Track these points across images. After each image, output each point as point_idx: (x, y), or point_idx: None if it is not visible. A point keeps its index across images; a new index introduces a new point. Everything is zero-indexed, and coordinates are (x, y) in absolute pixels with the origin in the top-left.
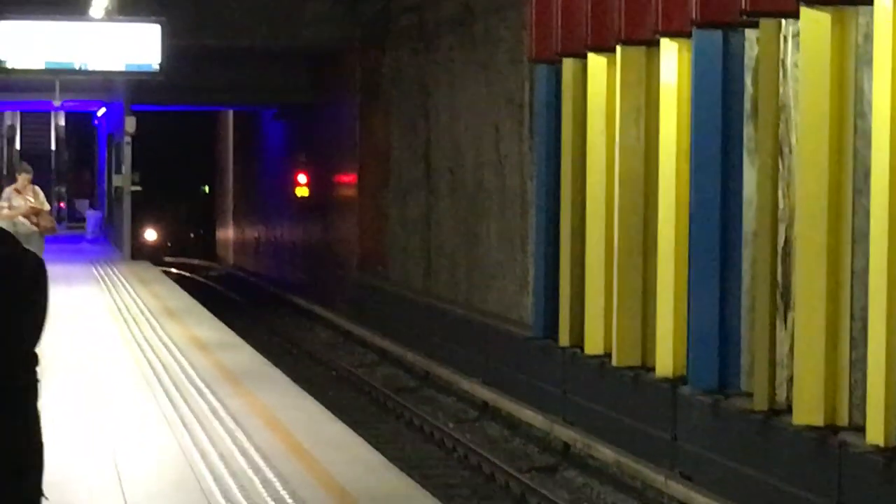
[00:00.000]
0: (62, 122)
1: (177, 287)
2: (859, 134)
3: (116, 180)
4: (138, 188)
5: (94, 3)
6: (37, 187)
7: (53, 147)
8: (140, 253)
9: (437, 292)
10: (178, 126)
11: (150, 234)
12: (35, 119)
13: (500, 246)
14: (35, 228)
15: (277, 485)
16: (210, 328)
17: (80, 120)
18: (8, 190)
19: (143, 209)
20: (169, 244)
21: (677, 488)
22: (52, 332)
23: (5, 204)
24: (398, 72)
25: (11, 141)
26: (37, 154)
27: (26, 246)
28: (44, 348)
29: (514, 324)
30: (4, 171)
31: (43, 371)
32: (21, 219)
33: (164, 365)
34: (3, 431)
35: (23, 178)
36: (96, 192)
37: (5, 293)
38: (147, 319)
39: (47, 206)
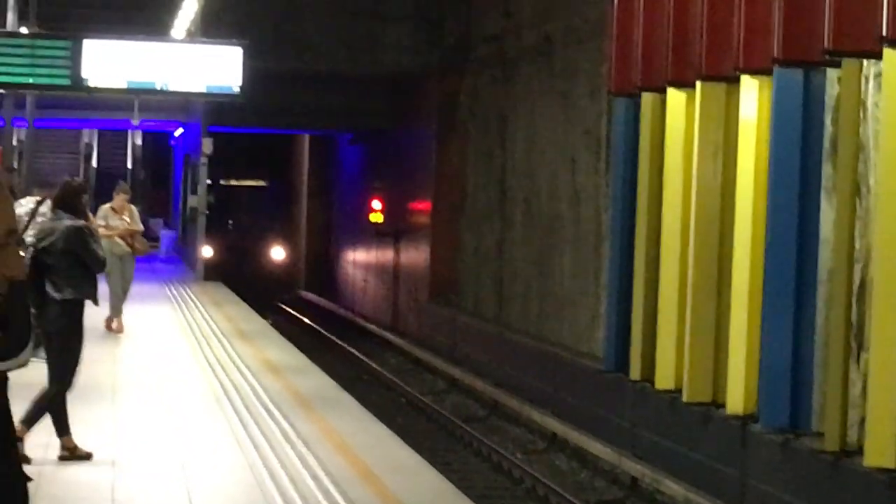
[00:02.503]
0: (139, 142)
1: (249, 309)
2: None
3: (192, 201)
4: (263, 183)
5: (176, 24)
6: (133, 207)
7: (130, 166)
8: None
9: (508, 322)
10: (253, 147)
11: (279, 253)
12: (112, 138)
13: (574, 277)
14: (129, 249)
15: None
16: (281, 351)
17: (156, 140)
18: (104, 208)
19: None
20: (297, 265)
21: None
22: (126, 351)
23: (102, 223)
24: (476, 100)
25: (88, 158)
26: (113, 172)
27: (121, 266)
28: (119, 367)
29: (585, 356)
30: None
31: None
32: (117, 239)
33: (235, 386)
34: None
35: (120, 198)
36: (171, 211)
37: None
38: (219, 340)
39: (141, 227)
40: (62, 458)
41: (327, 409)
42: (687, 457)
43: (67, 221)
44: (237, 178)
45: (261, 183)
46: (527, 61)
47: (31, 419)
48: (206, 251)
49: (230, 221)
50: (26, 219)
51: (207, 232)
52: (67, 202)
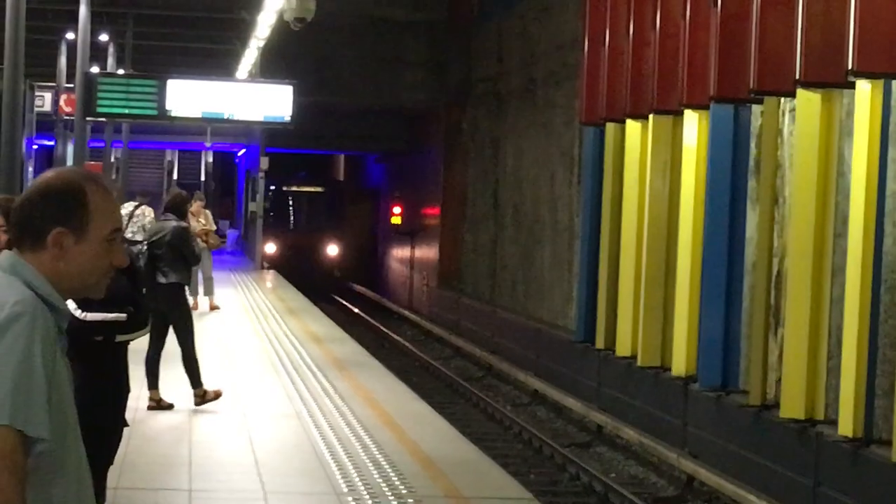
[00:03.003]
0: (210, 160)
1: (297, 291)
2: (840, 189)
3: (252, 206)
4: (320, 189)
5: (240, 67)
6: (207, 211)
7: (203, 178)
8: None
9: (500, 303)
10: (310, 158)
11: (333, 249)
12: (189, 156)
13: (552, 267)
14: (204, 245)
15: (374, 450)
16: (322, 324)
17: (224, 158)
18: None
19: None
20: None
21: (687, 464)
22: (202, 324)
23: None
24: (475, 128)
25: (170, 173)
26: (189, 184)
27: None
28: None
29: (561, 329)
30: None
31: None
32: None
33: (286, 352)
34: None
35: (196, 204)
36: (235, 214)
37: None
38: (273, 316)
39: (213, 227)
40: (150, 408)
41: (358, 370)
42: (640, 409)
43: (173, 222)
44: (297, 185)
45: (318, 189)
46: (515, 98)
47: (194, 381)
48: (269, 248)
49: (292, 222)
50: (126, 219)
51: (271, 231)
52: (176, 208)
